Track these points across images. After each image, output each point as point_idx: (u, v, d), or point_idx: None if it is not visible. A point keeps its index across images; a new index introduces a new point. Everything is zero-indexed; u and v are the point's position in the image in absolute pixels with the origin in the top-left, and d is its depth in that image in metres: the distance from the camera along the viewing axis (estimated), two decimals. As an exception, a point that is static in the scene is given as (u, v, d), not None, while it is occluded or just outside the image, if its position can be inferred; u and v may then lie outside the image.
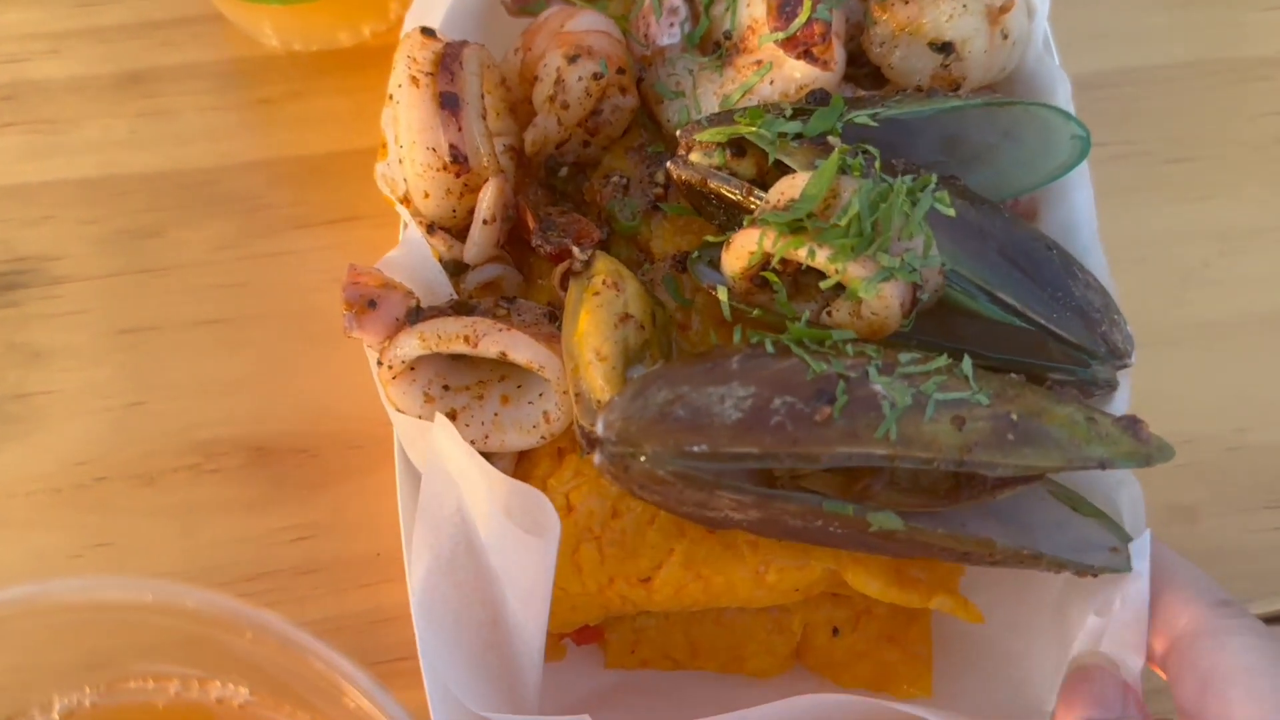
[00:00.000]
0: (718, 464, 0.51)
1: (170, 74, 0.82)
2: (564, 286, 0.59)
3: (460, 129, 0.61)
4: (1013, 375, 0.56)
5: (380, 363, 0.58)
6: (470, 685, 0.56)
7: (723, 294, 0.58)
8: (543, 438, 0.59)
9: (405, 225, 0.63)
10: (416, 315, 0.57)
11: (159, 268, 0.77)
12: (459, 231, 0.63)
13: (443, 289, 0.61)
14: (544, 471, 0.60)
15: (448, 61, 0.61)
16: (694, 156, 0.61)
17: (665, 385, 0.52)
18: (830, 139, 0.58)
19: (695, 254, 0.61)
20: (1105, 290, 0.60)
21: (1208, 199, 0.82)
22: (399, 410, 0.58)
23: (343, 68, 0.82)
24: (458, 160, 0.60)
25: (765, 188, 0.58)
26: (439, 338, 0.56)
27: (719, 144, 0.60)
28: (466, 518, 0.55)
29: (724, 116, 0.62)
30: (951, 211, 0.56)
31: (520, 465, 0.61)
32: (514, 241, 0.64)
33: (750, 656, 0.65)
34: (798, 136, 0.58)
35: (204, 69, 0.82)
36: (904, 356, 0.53)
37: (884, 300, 0.54)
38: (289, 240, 0.78)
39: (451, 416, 0.59)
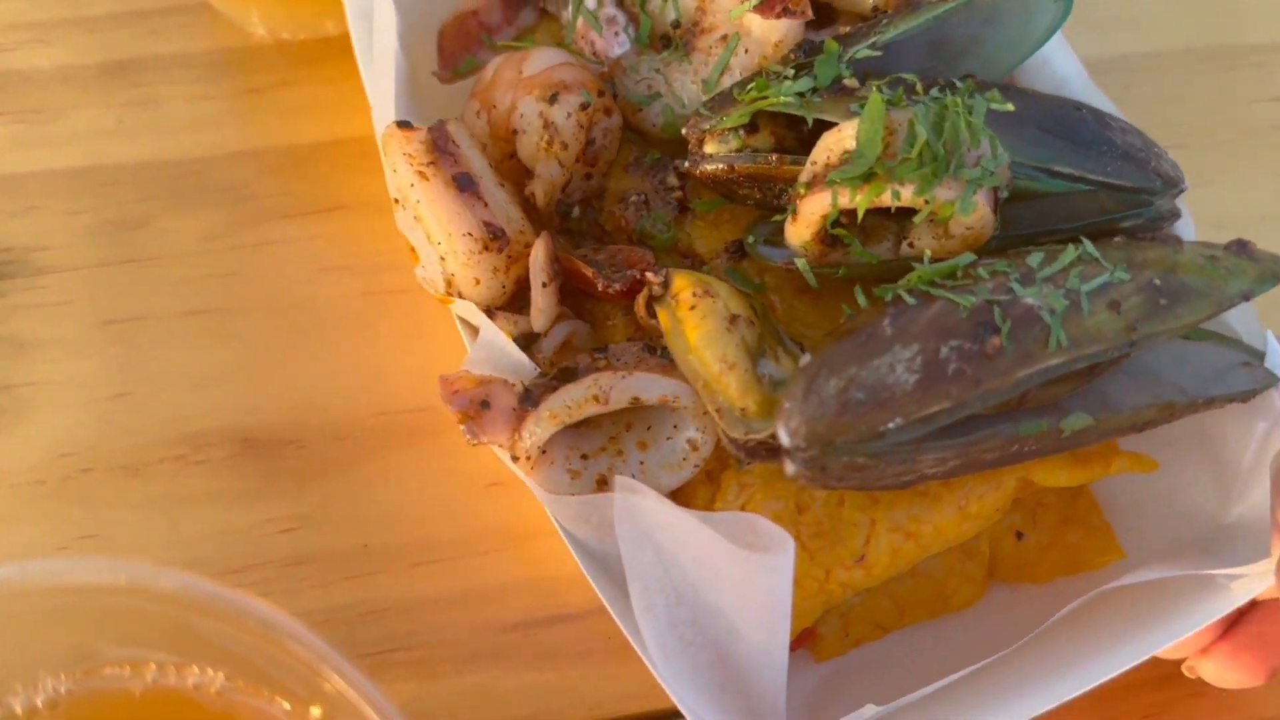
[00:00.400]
0: (913, 431, 0.50)
1: (158, 63, 0.82)
2: (652, 314, 0.58)
3: (487, 204, 0.59)
4: (1118, 239, 0.57)
5: (515, 457, 0.56)
6: None
7: (803, 265, 0.58)
8: (695, 466, 0.58)
9: (459, 322, 0.61)
10: (529, 398, 0.56)
11: (145, 258, 0.76)
12: (512, 305, 0.61)
13: (528, 368, 0.59)
14: (704, 499, 0.59)
15: (442, 144, 0.60)
16: (710, 147, 0.60)
17: (831, 373, 0.50)
18: (846, 83, 0.58)
19: (750, 239, 0.60)
20: (1137, 129, 0.62)
21: (1204, 186, 0.81)
22: (551, 493, 0.57)
23: (330, 56, 0.81)
24: (497, 236, 0.59)
25: (790, 152, 0.58)
26: (569, 408, 0.55)
27: (731, 127, 0.60)
28: (669, 569, 0.54)
29: (723, 99, 0.61)
30: (1010, 106, 0.57)
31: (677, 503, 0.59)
32: (564, 295, 0.63)
33: (953, 593, 0.65)
34: (813, 91, 0.58)
35: (192, 58, 0.82)
36: (1033, 260, 0.54)
37: (980, 213, 0.54)
38: (277, 230, 0.77)
39: (602, 482, 0.58)
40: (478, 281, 0.60)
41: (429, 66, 0.73)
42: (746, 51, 0.64)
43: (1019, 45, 0.64)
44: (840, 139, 0.56)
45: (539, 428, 0.56)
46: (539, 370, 0.59)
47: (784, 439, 0.50)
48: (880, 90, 0.56)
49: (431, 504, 0.70)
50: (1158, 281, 0.54)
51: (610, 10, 0.68)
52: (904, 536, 0.58)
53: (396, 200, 0.61)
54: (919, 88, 0.57)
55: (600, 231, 0.66)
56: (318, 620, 0.67)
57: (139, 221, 0.77)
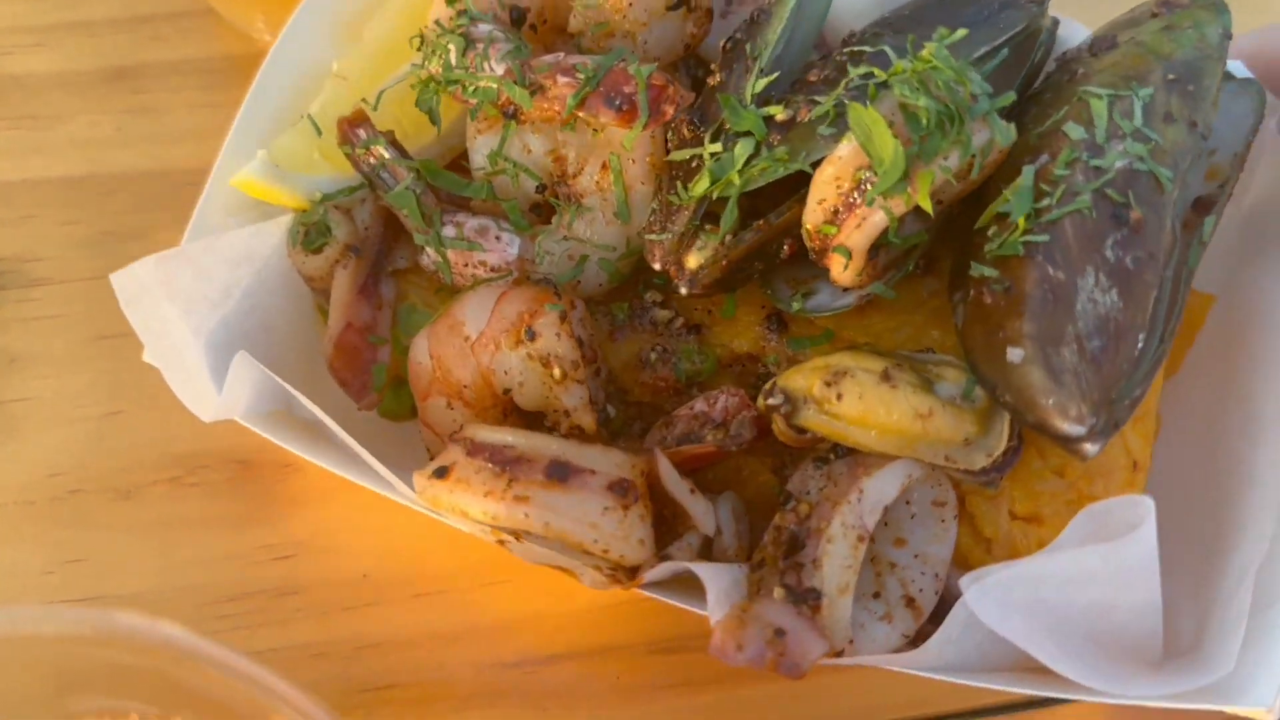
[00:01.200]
0: (1155, 338, 0.53)
1: (159, 70, 0.80)
2: (800, 431, 0.56)
3: (594, 471, 0.55)
4: (1080, 70, 0.59)
5: (839, 653, 0.53)
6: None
7: (880, 289, 0.58)
8: (955, 518, 0.57)
9: (653, 591, 0.58)
10: (797, 595, 0.53)
11: (142, 271, 0.73)
12: (679, 529, 0.58)
13: (742, 572, 0.56)
14: (967, 538, 0.58)
15: (497, 453, 0.55)
16: (693, 260, 0.58)
17: (1056, 345, 0.52)
18: (780, 119, 0.57)
19: (795, 307, 0.60)
20: None
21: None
22: (895, 655, 0.55)
23: (337, 64, 0.79)
24: (626, 489, 0.55)
25: (756, 215, 0.58)
26: (848, 568, 0.53)
27: (699, 226, 0.58)
28: (1034, 619, 0.52)
29: (664, 211, 0.60)
30: (963, 31, 0.58)
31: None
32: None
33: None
34: (761, 145, 0.57)
35: (194, 65, 0.80)
36: (1074, 132, 0.55)
37: (1012, 130, 0.55)
38: (277, 244, 0.74)
39: (909, 602, 0.56)
40: (642, 542, 0.55)
41: (343, 408, 0.64)
42: (634, 161, 0.61)
43: None
44: (842, 164, 0.54)
45: (838, 610, 0.52)
46: (747, 564, 0.56)
47: (1072, 430, 0.50)
48: (848, 96, 0.55)
49: (434, 532, 0.67)
50: (1170, 76, 0.57)
51: (473, 222, 0.63)
52: (1143, 420, 0.59)
53: (502, 542, 0.56)
54: (877, 73, 0.55)
55: (640, 409, 0.63)
56: (313, 653, 0.65)
57: (136, 233, 0.75)
